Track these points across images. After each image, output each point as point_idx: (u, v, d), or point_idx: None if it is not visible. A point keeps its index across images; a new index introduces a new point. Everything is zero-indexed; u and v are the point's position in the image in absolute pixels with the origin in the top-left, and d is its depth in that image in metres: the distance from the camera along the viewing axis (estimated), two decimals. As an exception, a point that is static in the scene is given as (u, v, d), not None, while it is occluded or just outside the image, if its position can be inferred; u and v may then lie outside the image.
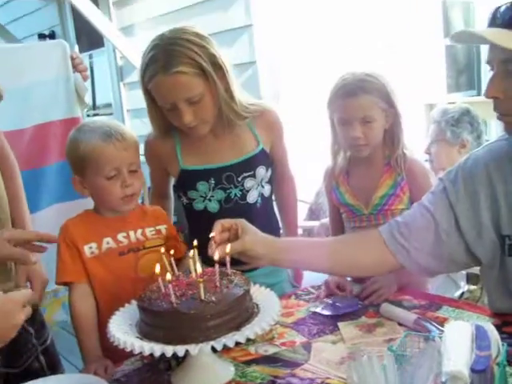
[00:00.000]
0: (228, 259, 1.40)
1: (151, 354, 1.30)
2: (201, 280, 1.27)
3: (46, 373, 1.74)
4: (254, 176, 1.91)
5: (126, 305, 1.48)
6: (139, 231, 1.71)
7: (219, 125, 1.87)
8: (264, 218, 1.98)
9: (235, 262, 1.49)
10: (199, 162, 1.89)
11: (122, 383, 1.44)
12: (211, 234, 1.46)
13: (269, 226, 1.96)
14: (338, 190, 1.99)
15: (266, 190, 1.98)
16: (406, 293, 1.78)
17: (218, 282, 1.34)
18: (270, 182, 1.99)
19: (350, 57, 3.73)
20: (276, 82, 3.79)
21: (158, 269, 1.35)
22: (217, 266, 1.35)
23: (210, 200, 1.90)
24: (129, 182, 1.64)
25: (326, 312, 1.69)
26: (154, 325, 1.31)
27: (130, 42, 4.97)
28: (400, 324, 1.57)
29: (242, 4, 3.92)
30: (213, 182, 1.88)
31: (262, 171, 1.93)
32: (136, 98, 5.13)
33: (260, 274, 1.81)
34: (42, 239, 1.46)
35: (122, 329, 1.35)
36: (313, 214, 3.45)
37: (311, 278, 2.32)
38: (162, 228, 1.75)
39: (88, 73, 2.53)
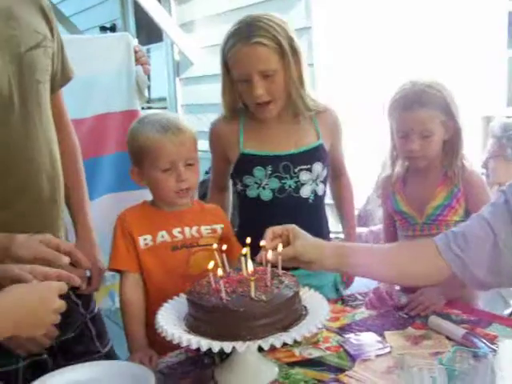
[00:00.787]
0: (280, 260, 1.40)
1: (196, 348, 1.31)
2: (252, 278, 1.28)
3: (95, 342, 1.79)
4: (310, 170, 1.93)
5: (175, 297, 1.49)
6: (195, 228, 1.71)
7: (286, 111, 1.92)
8: (315, 215, 2.00)
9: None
10: (259, 147, 1.93)
11: (165, 375, 1.45)
12: (262, 243, 1.45)
13: (318, 225, 2.01)
14: (393, 198, 1.97)
15: (320, 188, 1.98)
16: (454, 306, 1.75)
17: (269, 281, 1.34)
18: (324, 182, 2.00)
19: (408, 63, 3.68)
20: (332, 85, 3.76)
21: (211, 265, 1.35)
22: (269, 265, 1.36)
23: (264, 188, 1.92)
24: (184, 176, 1.65)
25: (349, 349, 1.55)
26: (202, 319, 1.32)
27: (188, 38, 5.02)
28: (448, 338, 1.54)
29: (303, 6, 3.92)
30: (270, 169, 1.91)
31: (318, 167, 1.94)
32: (191, 94, 5.20)
33: (304, 274, 1.81)
34: (70, 255, 1.44)
35: (170, 321, 1.37)
36: (361, 221, 3.41)
37: (358, 285, 2.31)
38: (218, 227, 1.75)
39: (149, 66, 2.57)
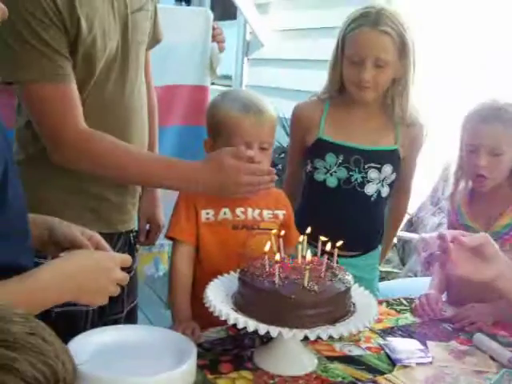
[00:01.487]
0: (336, 252, 1.40)
1: (238, 328, 1.32)
2: (308, 267, 1.28)
3: (124, 301, 1.82)
4: (379, 170, 1.94)
5: (225, 274, 1.50)
6: (257, 210, 1.70)
7: (376, 106, 1.95)
8: (374, 214, 2.04)
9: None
10: (337, 135, 1.95)
11: (205, 349, 1.45)
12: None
13: (375, 224, 2.07)
14: (459, 211, 1.92)
15: (385, 190, 1.99)
16: (502, 327, 1.71)
17: (323, 273, 1.34)
18: (391, 185, 2.01)
19: (487, 80, 3.57)
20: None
21: (267, 247, 1.36)
22: (325, 257, 1.35)
23: (331, 174, 1.95)
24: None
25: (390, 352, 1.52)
26: (251, 300, 1.33)
27: (262, 19, 5.00)
28: (492, 358, 1.51)
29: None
30: (341, 158, 1.93)
31: (388, 169, 1.95)
32: (257, 75, 5.19)
33: (351, 264, 1.83)
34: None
35: (219, 297, 1.38)
36: (411, 226, 3.38)
37: (399, 288, 2.29)
38: (280, 213, 1.73)
39: (225, 44, 2.58)
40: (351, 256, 1.96)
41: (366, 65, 1.83)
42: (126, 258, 1.25)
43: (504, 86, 3.34)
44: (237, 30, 5.44)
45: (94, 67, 1.57)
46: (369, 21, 1.83)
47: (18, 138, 1.64)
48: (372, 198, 1.96)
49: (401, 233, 3.20)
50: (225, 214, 1.67)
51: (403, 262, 3.32)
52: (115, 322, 1.71)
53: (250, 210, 1.69)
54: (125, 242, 1.79)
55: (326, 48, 4.08)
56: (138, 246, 1.93)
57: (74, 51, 1.52)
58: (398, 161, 1.97)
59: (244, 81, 5.35)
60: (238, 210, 1.67)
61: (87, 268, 1.17)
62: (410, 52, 1.88)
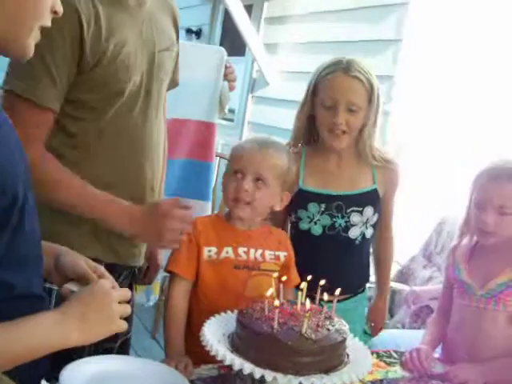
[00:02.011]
0: (335, 301, 1.42)
1: (230, 367, 1.33)
2: (307, 315, 1.29)
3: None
4: (361, 213, 1.99)
5: (222, 313, 1.51)
6: (259, 251, 1.72)
7: (349, 151, 2.01)
8: (359, 257, 2.09)
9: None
10: (317, 184, 2.00)
11: (195, 386, 1.47)
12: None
13: (361, 266, 2.13)
14: (457, 266, 1.93)
15: (369, 232, 2.04)
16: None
17: (321, 321, 1.35)
18: (374, 226, 2.06)
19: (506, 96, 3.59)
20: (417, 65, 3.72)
21: (270, 292, 1.37)
22: (325, 307, 1.37)
23: (315, 223, 1.99)
24: (245, 185, 1.64)
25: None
26: (248, 343, 1.34)
27: (269, 59, 5.09)
28: (479, 419, 1.53)
29: (395, 18, 3.92)
30: (323, 206, 1.98)
31: (369, 211, 2.00)
32: (260, 113, 5.25)
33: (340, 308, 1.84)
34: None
35: (216, 336, 1.39)
36: (402, 277, 3.40)
37: (389, 339, 2.30)
38: (282, 254, 1.76)
39: (236, 84, 2.63)
40: (340, 300, 1.94)
41: (338, 109, 1.90)
42: (123, 294, 1.23)
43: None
44: (244, 66, 5.53)
45: (115, 96, 1.62)
46: (341, 68, 1.93)
47: None
48: (357, 241, 2.01)
49: (390, 283, 3.23)
50: (227, 252, 1.68)
51: (391, 313, 3.33)
52: (107, 352, 1.71)
53: (252, 250, 1.71)
54: (128, 275, 1.80)
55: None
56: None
57: (93, 77, 1.57)
58: (377, 200, 2.03)
59: (247, 117, 5.42)
60: (241, 250, 1.70)
61: (83, 302, 1.16)
62: (377, 98, 1.96)
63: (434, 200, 3.43)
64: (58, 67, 1.51)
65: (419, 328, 2.76)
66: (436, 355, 1.87)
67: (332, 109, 1.91)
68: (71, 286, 1.23)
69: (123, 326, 1.21)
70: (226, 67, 2.61)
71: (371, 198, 2.01)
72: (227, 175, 1.71)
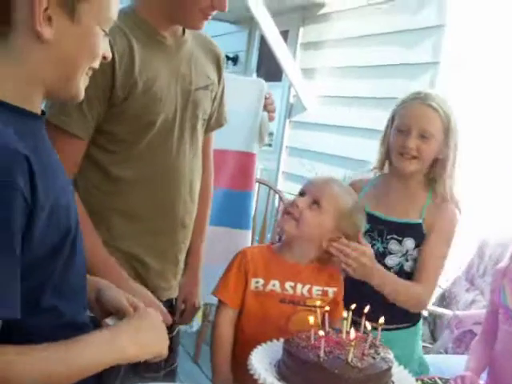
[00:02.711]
0: (380, 329, 1.44)
1: (277, 395, 1.36)
2: (353, 344, 1.32)
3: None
4: (400, 243, 1.97)
5: (268, 342, 1.54)
6: (307, 286, 1.71)
7: (417, 180, 2.01)
8: None
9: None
10: (370, 204, 1.99)
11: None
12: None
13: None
14: (503, 291, 1.92)
15: (408, 265, 1.99)
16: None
17: (366, 350, 1.38)
18: (416, 261, 1.99)
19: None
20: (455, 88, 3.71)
21: (312, 320, 1.40)
22: (370, 335, 1.39)
23: None
24: (299, 203, 1.69)
25: None
26: (294, 371, 1.36)
27: (306, 84, 5.14)
28: None
29: (431, 41, 3.93)
30: (367, 226, 1.94)
31: (409, 243, 1.97)
32: (297, 138, 5.30)
33: (396, 338, 1.83)
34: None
35: (262, 365, 1.42)
36: (444, 301, 3.38)
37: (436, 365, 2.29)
38: (330, 290, 1.74)
39: (275, 114, 2.69)
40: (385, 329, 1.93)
41: (411, 133, 1.93)
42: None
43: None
44: (281, 91, 5.59)
45: (145, 128, 1.67)
46: (419, 98, 1.98)
47: None
48: (392, 270, 1.97)
49: (432, 307, 3.21)
50: (274, 285, 1.69)
51: (434, 337, 3.31)
52: (153, 381, 1.74)
53: (299, 285, 1.70)
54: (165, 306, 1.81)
55: (369, 117, 4.23)
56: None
57: (124, 110, 1.63)
58: (421, 236, 1.98)
59: (284, 142, 5.47)
60: (288, 284, 1.69)
61: (132, 318, 1.23)
62: (455, 134, 1.96)
63: (475, 221, 3.41)
64: (89, 101, 1.55)
65: (463, 353, 2.73)
66: (481, 382, 1.85)
67: (405, 133, 1.95)
68: (109, 321, 1.26)
69: (166, 351, 1.27)
70: (266, 98, 2.67)
71: (413, 232, 1.97)
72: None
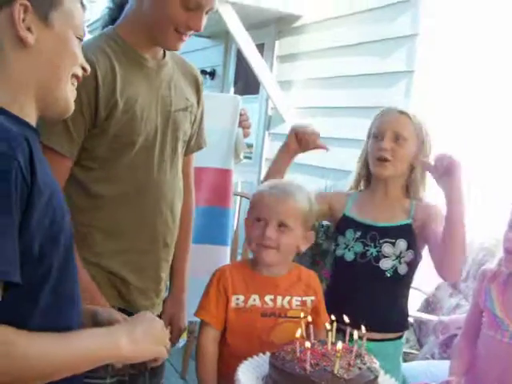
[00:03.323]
0: (364, 338, 1.44)
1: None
2: (338, 355, 1.32)
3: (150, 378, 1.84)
4: (393, 245, 2.00)
5: (255, 356, 1.54)
6: (287, 298, 1.73)
7: (397, 185, 2.06)
8: (392, 292, 2.05)
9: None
10: (359, 213, 2.07)
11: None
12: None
13: (392, 303, 2.06)
14: (489, 294, 1.91)
15: (402, 268, 2.01)
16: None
17: (352, 360, 1.38)
18: (411, 265, 2.02)
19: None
20: (430, 95, 3.76)
21: (298, 333, 1.41)
22: (355, 346, 1.40)
23: (349, 249, 2.04)
24: (268, 233, 1.67)
25: None
26: (282, 384, 1.36)
27: (284, 96, 5.17)
28: None
29: (410, 13, 3.96)
30: (358, 234, 2.03)
31: (402, 245, 2.00)
32: (276, 149, 5.29)
33: (379, 348, 1.82)
34: None
35: (250, 380, 1.42)
36: (428, 307, 3.39)
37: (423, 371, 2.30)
38: (309, 299, 1.76)
39: (250, 130, 2.70)
40: (371, 340, 1.91)
41: (385, 136, 2.00)
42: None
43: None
44: (259, 104, 5.62)
45: (125, 148, 1.69)
46: (392, 108, 2.10)
47: None
48: (387, 274, 2.00)
49: (418, 313, 3.23)
50: (254, 300, 1.70)
51: (420, 343, 3.32)
52: None
53: (279, 297, 1.72)
54: None
55: (347, 126, 4.25)
56: None
57: (105, 128, 1.65)
58: (411, 236, 2.01)
59: (264, 154, 5.48)
60: (268, 298, 1.71)
61: (131, 320, 1.28)
62: (429, 142, 2.04)
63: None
64: (75, 120, 1.57)
65: (449, 358, 2.74)
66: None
67: (379, 138, 2.02)
68: None
69: (165, 353, 1.29)
70: (241, 114, 2.68)
71: (404, 232, 2.01)
72: (249, 221, 1.75)
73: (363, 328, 1.48)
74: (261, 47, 5.45)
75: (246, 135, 2.71)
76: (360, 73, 4.41)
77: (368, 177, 2.12)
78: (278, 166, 2.11)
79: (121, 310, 1.60)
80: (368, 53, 4.33)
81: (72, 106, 1.25)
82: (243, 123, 2.68)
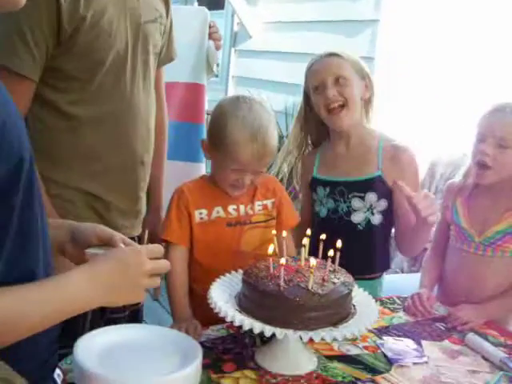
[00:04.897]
0: (337, 259, 1.43)
1: (238, 326, 1.34)
2: (312, 270, 1.30)
3: None
4: (363, 199, 1.98)
5: (227, 274, 1.52)
6: (249, 205, 1.75)
7: (357, 134, 2.02)
8: (365, 244, 2.02)
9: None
10: (324, 171, 2.07)
11: (206, 348, 1.46)
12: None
13: (368, 254, 2.04)
14: (454, 209, 1.95)
15: (376, 218, 2.00)
16: (493, 328, 1.76)
17: (326, 275, 1.36)
18: (384, 214, 2.00)
19: (483, 69, 3.58)
20: (392, 81, 3.71)
21: (271, 250, 1.38)
22: (329, 261, 1.38)
23: (323, 206, 2.05)
24: (246, 181, 1.67)
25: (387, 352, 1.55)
26: (255, 302, 1.35)
27: (250, 11, 4.99)
28: (484, 358, 1.56)
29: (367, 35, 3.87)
30: (328, 190, 2.03)
31: (372, 197, 1.98)
32: (244, 67, 5.19)
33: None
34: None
35: (222, 298, 1.40)
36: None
37: (394, 287, 2.32)
38: (269, 202, 1.78)
39: (221, 42, 2.61)
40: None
41: (327, 84, 1.93)
42: (152, 249, 1.18)
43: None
44: (224, 20, 5.43)
45: (96, 65, 1.62)
46: (320, 55, 2.00)
47: None
48: (360, 227, 1.99)
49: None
50: (218, 212, 1.71)
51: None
52: (116, 322, 1.70)
53: (242, 206, 1.74)
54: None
55: (315, 41, 4.13)
56: None
57: (73, 46, 1.56)
58: (382, 187, 1.97)
59: (231, 71, 5.35)
60: (231, 208, 1.73)
61: (115, 269, 1.12)
62: (368, 74, 2.01)
63: (425, 142, 3.43)
64: (35, 37, 1.50)
65: (418, 271, 2.79)
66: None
67: (321, 88, 1.94)
68: (96, 250, 1.18)
69: (143, 298, 1.18)
70: (210, 26, 2.58)
71: (374, 185, 1.97)
72: (223, 167, 1.68)
73: (339, 242, 1.45)
74: (226, -41, 5.22)
75: (217, 48, 2.62)
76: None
77: (320, 133, 2.10)
78: None
79: None
80: None
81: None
82: (213, 35, 2.58)
